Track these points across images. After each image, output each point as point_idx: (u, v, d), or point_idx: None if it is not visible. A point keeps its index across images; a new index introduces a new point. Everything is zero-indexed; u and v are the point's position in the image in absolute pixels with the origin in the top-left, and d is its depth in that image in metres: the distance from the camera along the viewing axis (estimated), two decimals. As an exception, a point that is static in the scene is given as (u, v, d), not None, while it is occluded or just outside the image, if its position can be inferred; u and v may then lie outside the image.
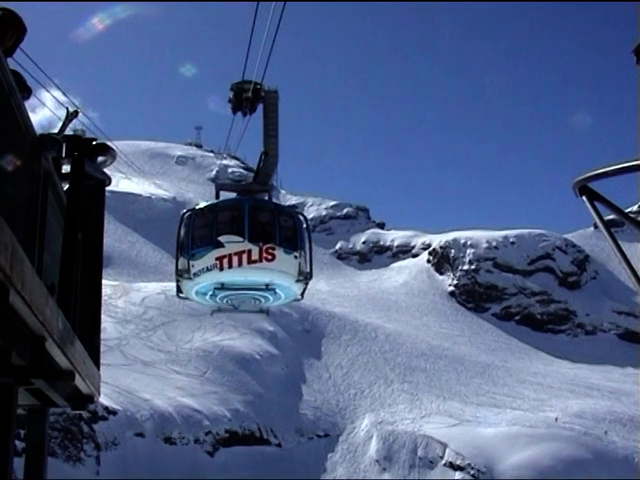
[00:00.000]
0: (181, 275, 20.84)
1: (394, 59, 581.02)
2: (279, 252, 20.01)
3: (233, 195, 22.62)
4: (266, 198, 22.49)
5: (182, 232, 21.19)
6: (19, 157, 7.49)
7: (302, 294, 22.10)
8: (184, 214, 21.45)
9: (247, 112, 22.39)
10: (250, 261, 19.81)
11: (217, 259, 19.92)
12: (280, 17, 15.39)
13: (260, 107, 22.40)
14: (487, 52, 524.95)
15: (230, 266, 19.89)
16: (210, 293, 21.23)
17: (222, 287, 20.65)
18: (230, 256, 19.85)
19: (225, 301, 21.95)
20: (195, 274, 20.36)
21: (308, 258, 21.32)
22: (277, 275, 20.35)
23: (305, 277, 21.00)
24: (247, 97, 21.99)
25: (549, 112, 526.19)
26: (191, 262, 20.41)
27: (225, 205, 21.25)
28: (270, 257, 19.93)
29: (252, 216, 20.46)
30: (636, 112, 6.37)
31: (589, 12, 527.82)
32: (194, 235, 20.64)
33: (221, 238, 20.00)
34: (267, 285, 20.65)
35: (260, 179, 22.56)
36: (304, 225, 21.51)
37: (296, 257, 20.55)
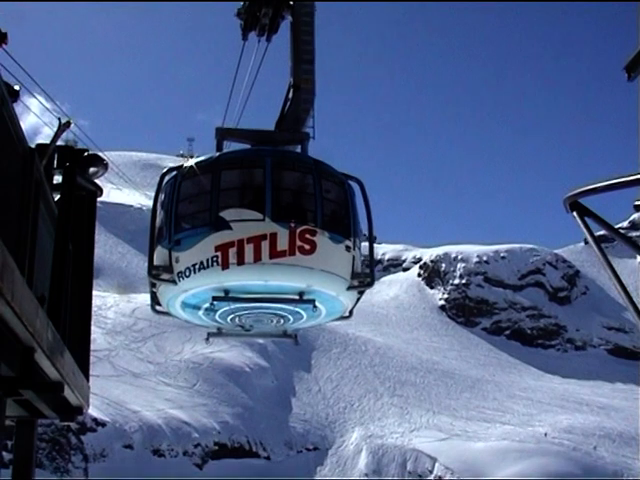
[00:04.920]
0: (158, 276, 13.63)
1: (383, 70, 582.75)
2: (322, 239, 13.20)
3: (247, 147, 15.10)
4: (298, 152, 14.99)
5: (160, 206, 14.15)
6: (11, 167, 7.47)
7: (351, 310, 15.37)
8: (164, 176, 14.27)
9: (265, 30, 14.99)
10: (274, 253, 12.81)
11: (218, 249, 12.89)
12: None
13: (283, 28, 15.27)
14: (485, 61, 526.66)
15: (240, 261, 12.82)
16: (205, 306, 13.94)
17: (226, 296, 13.38)
18: (240, 244, 12.80)
19: (230, 320, 14.54)
20: (181, 274, 13.25)
21: (367, 251, 14.46)
22: (319, 277, 13.33)
23: (362, 282, 14.20)
24: None
25: (542, 126, 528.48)
26: (175, 254, 13.32)
27: (232, 159, 13.98)
28: (308, 247, 13.01)
29: (277, 178, 13.43)
30: (637, 128, 6.40)
31: (589, 13, 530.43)
32: (180, 210, 13.59)
33: (225, 214, 13.06)
34: (301, 294, 13.45)
35: (288, 124, 15.06)
36: (361, 197, 14.50)
37: (349, 248, 13.66)
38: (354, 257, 13.78)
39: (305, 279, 13.20)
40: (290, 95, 15.06)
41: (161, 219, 13.95)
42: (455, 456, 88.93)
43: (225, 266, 12.82)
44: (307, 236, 12.99)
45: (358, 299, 14.83)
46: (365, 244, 14.61)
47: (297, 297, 13.47)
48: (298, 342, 17.16)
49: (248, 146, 15.01)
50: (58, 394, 7.48)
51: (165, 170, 14.39)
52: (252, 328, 15.04)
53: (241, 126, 15.90)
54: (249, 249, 12.72)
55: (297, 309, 14.08)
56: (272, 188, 13.11)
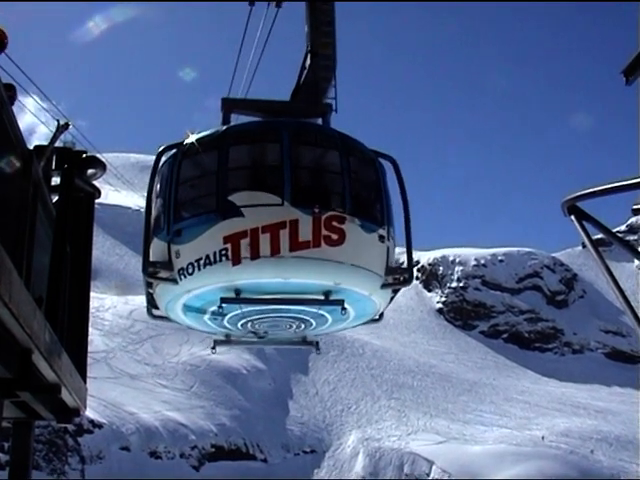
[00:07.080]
0: (155, 273, 11.39)
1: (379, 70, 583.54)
2: (352, 227, 11.03)
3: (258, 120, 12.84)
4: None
5: (157, 191, 12.00)
6: (9, 168, 7.47)
7: (382, 312, 13.26)
8: (160, 155, 12.02)
9: None
10: (296, 244, 10.66)
11: (227, 241, 10.68)
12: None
13: None
14: (487, 59, 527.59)
15: (255, 255, 10.63)
16: (212, 309, 11.70)
17: (237, 298, 11.11)
18: (254, 234, 10.60)
19: (241, 325, 12.34)
20: (183, 271, 11.07)
21: (404, 242, 12.27)
22: (349, 273, 11.10)
23: (397, 278, 12.00)
24: None
25: (540, 129, 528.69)
26: (175, 248, 11.18)
27: (242, 133, 11.79)
28: (336, 237, 10.84)
29: (297, 155, 11.33)
30: (637, 130, 6.41)
31: (590, 13, 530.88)
32: (180, 195, 11.42)
33: (235, 198, 10.88)
34: (328, 294, 11.21)
35: (306, 95, 13.03)
36: (395, 179, 12.43)
37: (382, 238, 11.52)
38: (389, 249, 11.67)
39: (333, 276, 11.06)
40: (307, 63, 12.90)
41: (158, 206, 11.80)
42: (452, 459, 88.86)
43: (236, 261, 10.69)
44: (334, 224, 10.84)
45: (391, 299, 12.68)
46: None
47: (322, 297, 11.29)
48: (320, 350, 14.40)
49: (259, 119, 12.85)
50: (55, 396, 7.47)
51: (162, 148, 12.02)
52: (267, 335, 12.91)
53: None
54: (265, 240, 10.61)
55: (322, 312, 11.88)
56: (291, 166, 11.03)
